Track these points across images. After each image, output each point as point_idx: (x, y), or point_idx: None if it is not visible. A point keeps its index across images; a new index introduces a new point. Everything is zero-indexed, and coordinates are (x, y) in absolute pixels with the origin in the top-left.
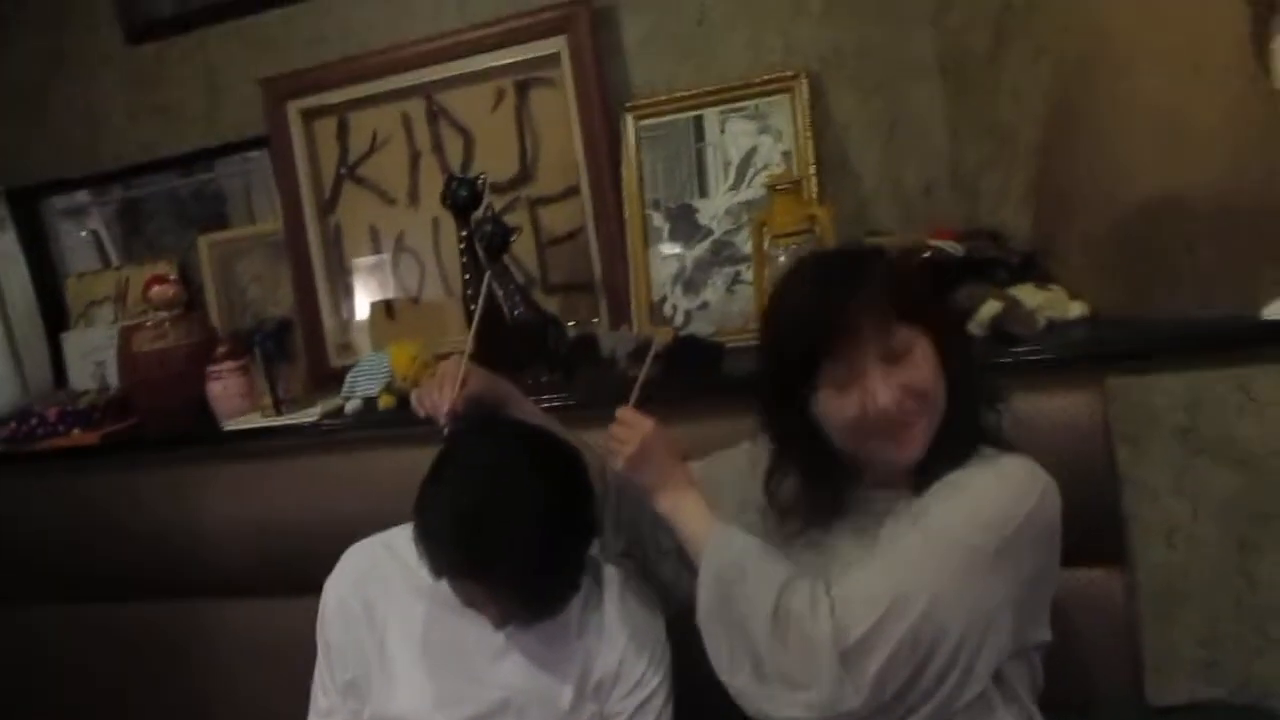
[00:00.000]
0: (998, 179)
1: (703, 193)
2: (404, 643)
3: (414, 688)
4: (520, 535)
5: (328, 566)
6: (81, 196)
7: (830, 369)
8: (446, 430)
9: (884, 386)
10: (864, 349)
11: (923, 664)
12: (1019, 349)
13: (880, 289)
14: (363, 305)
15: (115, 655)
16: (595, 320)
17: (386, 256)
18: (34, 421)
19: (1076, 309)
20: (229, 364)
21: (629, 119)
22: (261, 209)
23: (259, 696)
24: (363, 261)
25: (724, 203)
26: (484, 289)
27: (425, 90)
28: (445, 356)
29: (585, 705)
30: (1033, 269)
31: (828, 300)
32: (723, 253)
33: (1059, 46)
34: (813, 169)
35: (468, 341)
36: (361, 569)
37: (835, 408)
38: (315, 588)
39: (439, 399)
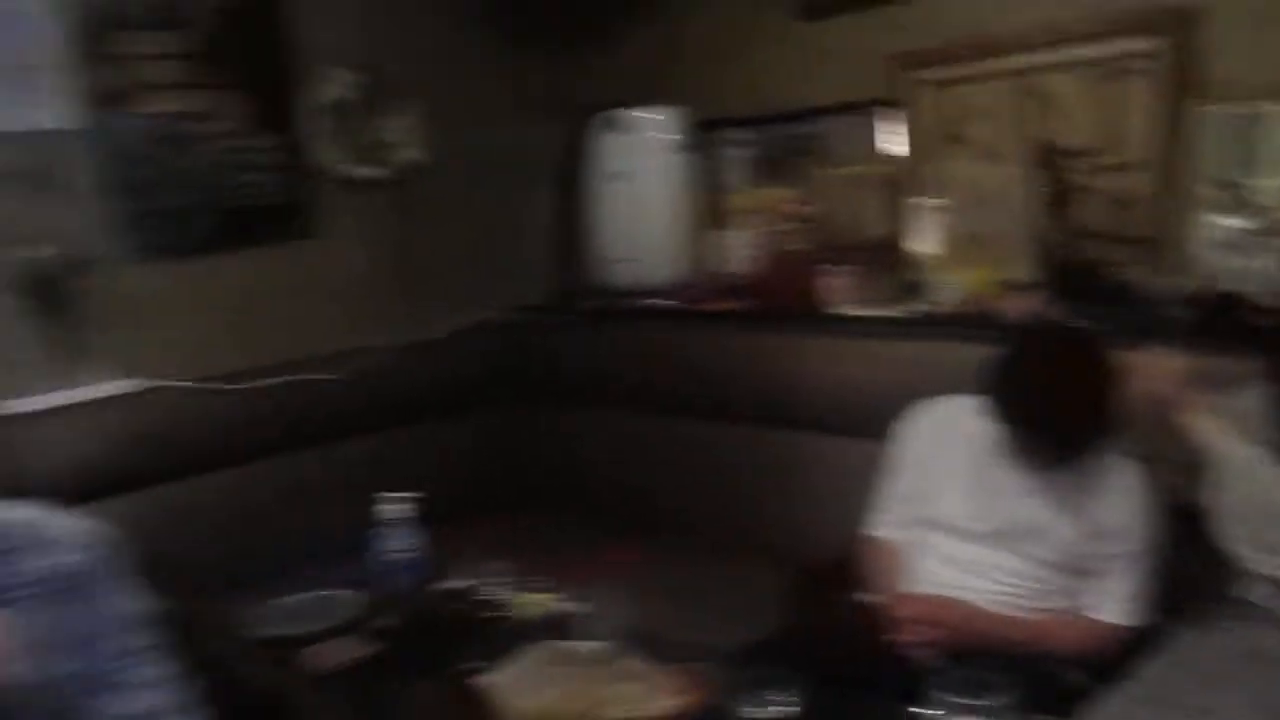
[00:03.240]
0: None
1: (1256, 175)
2: (954, 472)
3: (956, 503)
4: (1069, 395)
5: (889, 420)
6: (741, 133)
7: None
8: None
9: None
10: None
11: None
12: None
13: None
14: (943, 235)
15: (726, 466)
16: (1142, 269)
17: (972, 199)
18: (699, 290)
19: None
20: (837, 267)
21: (1199, 108)
22: (857, 156)
23: (829, 504)
24: (950, 201)
25: (1275, 185)
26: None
27: (1023, 71)
28: (1016, 284)
29: (1088, 543)
30: None
31: None
32: (1271, 229)
33: None
34: None
35: (1036, 270)
36: (930, 415)
37: None
38: (883, 436)
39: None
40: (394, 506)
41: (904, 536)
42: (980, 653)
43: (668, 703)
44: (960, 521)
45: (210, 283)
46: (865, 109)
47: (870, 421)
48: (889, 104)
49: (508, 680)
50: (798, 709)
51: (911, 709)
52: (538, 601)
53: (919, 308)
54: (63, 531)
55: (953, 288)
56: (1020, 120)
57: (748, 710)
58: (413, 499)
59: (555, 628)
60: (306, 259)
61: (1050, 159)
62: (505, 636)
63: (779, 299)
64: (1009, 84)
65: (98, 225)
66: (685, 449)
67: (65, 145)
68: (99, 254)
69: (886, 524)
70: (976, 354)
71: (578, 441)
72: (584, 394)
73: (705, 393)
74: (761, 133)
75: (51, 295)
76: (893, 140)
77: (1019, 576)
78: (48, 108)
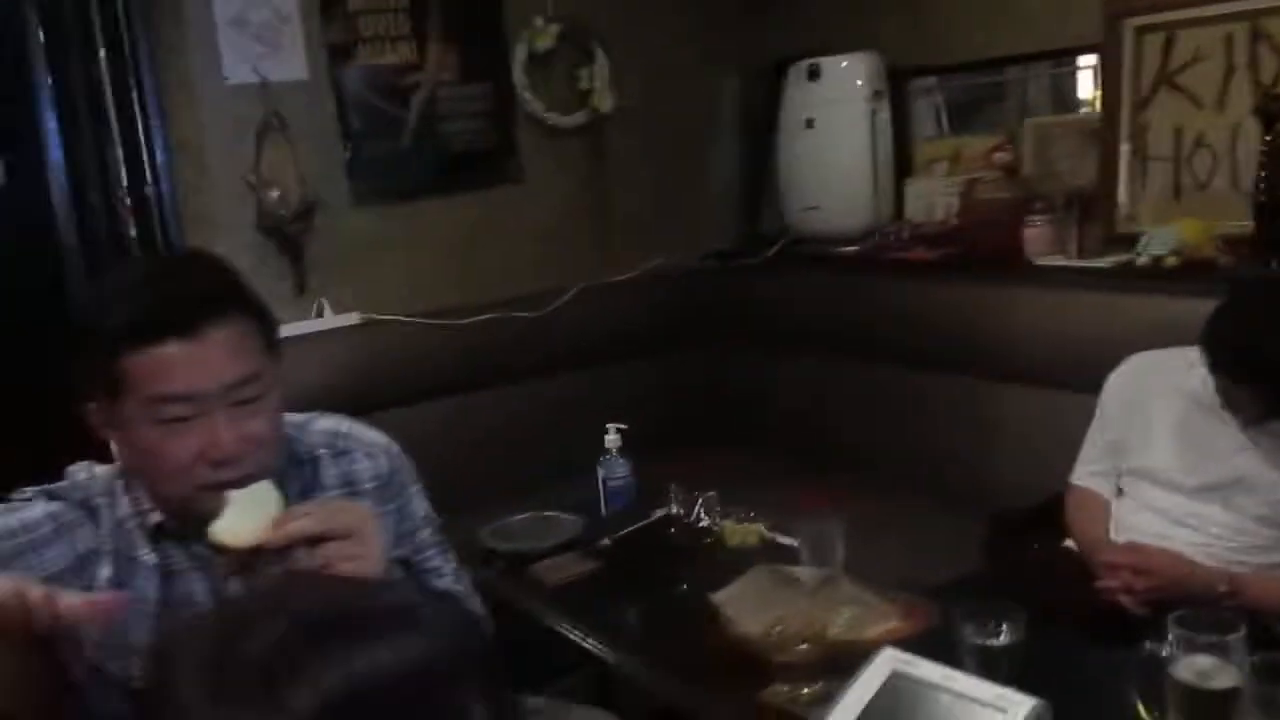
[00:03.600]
0: None
1: None
2: (1164, 424)
3: (1166, 454)
4: None
5: (1098, 374)
6: (930, 81)
7: None
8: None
9: None
10: None
11: None
12: None
13: None
14: (1154, 185)
15: (920, 412)
16: None
17: (1186, 148)
18: (890, 237)
19: None
20: (1041, 217)
21: None
22: (1060, 103)
23: (1024, 453)
24: (1162, 150)
25: None
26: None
27: (1250, 15)
28: (1233, 236)
29: None
30: None
31: None
32: None
33: None
34: None
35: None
36: (1141, 367)
37: None
38: (1084, 388)
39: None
40: (609, 437)
41: (1109, 487)
42: (1184, 603)
43: (889, 626)
44: (1170, 473)
45: (424, 224)
46: (1069, 55)
47: (1071, 373)
48: (1094, 50)
49: (730, 599)
50: (1024, 638)
51: (1146, 642)
52: (748, 530)
53: (1126, 259)
54: (368, 439)
55: (1163, 239)
56: (1244, 67)
57: (974, 636)
58: (623, 430)
59: (767, 556)
60: (512, 203)
61: (1276, 107)
62: (719, 562)
63: (976, 248)
64: (1232, 28)
65: (326, 171)
66: (877, 394)
67: (300, 96)
68: (327, 197)
69: (1092, 474)
70: (1186, 307)
71: (771, 383)
72: (775, 338)
73: (899, 340)
74: (957, 80)
75: (285, 234)
76: (1099, 87)
77: (1228, 529)
78: (288, 61)
